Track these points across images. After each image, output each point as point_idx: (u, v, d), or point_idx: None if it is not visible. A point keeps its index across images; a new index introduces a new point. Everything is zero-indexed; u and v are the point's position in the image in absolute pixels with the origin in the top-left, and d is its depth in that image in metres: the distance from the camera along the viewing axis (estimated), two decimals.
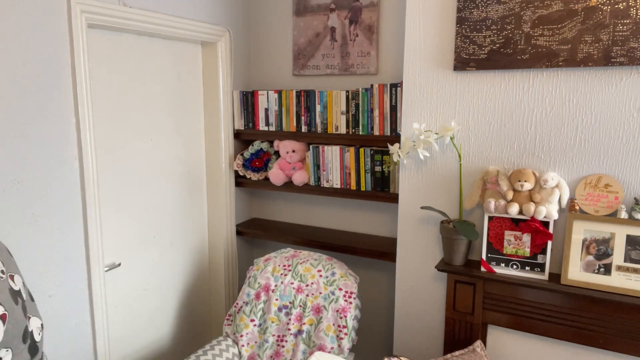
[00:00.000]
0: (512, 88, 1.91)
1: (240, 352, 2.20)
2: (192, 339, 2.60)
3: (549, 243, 1.84)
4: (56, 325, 1.88)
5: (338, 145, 2.47)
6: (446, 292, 2.09)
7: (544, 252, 1.85)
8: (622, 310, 1.77)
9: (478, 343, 1.96)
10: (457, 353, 1.90)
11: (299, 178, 2.56)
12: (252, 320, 2.24)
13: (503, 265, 1.92)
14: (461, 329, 2.06)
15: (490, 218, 1.91)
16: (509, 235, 1.90)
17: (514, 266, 1.91)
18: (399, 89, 2.25)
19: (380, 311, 2.70)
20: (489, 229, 1.92)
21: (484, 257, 1.94)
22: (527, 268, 1.89)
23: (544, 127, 1.88)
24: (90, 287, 1.99)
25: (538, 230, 1.83)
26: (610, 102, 1.77)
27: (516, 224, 1.88)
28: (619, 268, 1.76)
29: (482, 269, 1.95)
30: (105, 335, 2.08)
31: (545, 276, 1.85)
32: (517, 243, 1.88)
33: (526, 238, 1.86)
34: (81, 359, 2.00)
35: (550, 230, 1.82)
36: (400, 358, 1.81)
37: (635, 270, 1.74)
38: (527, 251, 1.87)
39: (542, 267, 1.86)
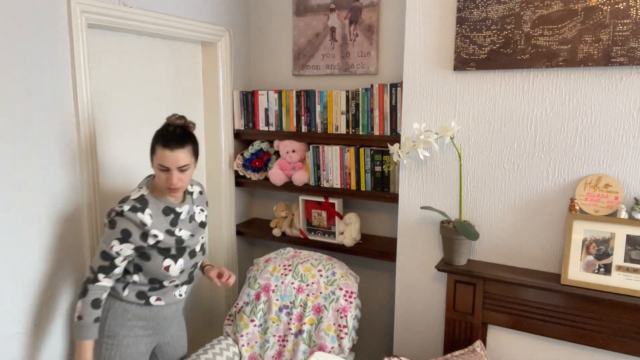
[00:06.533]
0: (512, 88, 1.91)
1: (240, 352, 2.20)
2: (192, 339, 2.60)
3: (337, 218, 2.55)
4: (56, 323, 1.89)
5: (338, 145, 2.47)
6: (446, 292, 2.09)
7: (334, 225, 2.60)
8: (622, 310, 1.77)
9: (478, 343, 1.96)
10: (457, 353, 1.90)
11: (299, 178, 2.56)
12: (252, 321, 2.24)
13: (312, 233, 2.64)
14: (461, 329, 2.06)
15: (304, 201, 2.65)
16: (315, 212, 2.64)
17: (318, 233, 2.63)
18: (399, 89, 2.25)
19: (381, 311, 2.70)
20: (304, 208, 2.66)
21: (302, 228, 2.65)
22: (325, 235, 2.62)
23: (544, 127, 1.88)
24: None
25: (330, 210, 2.58)
26: (610, 102, 1.77)
27: (319, 204, 2.60)
28: (619, 268, 1.76)
29: (300, 236, 2.65)
30: None
31: (335, 240, 2.56)
32: (319, 217, 2.64)
33: (323, 214, 2.62)
34: None
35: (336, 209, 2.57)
36: (400, 358, 1.81)
37: (635, 270, 1.74)
38: (324, 223, 2.62)
39: (333, 234, 2.59)
